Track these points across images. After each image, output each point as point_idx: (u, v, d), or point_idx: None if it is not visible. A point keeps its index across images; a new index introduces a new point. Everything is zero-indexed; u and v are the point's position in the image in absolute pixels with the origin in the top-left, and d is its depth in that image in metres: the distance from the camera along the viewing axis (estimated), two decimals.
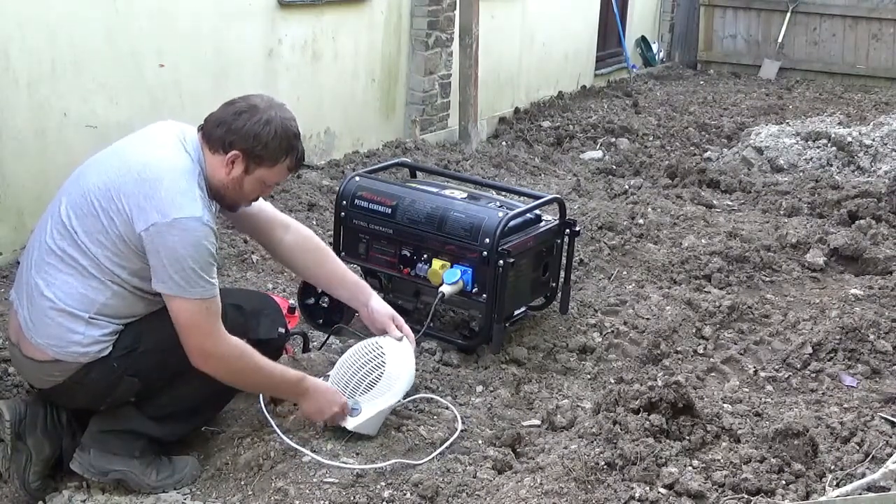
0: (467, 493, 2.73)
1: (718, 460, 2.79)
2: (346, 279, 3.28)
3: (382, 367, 3.03)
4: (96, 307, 2.64)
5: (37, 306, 2.66)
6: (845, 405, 3.46)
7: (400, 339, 3.15)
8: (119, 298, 2.67)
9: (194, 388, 2.80)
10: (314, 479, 2.77)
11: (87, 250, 2.62)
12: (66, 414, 2.86)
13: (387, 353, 3.06)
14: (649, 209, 5.70)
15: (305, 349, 3.46)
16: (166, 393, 2.81)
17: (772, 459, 2.78)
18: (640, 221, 5.41)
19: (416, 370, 3.49)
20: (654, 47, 12.22)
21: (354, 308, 3.33)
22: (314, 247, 3.22)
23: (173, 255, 2.55)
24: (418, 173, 4.54)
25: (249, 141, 2.68)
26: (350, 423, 2.96)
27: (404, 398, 3.24)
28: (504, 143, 7.87)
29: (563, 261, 4.06)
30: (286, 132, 2.72)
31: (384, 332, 3.17)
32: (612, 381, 3.62)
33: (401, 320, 3.21)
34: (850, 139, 7.04)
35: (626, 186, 6.42)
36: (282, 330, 3.02)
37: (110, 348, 2.67)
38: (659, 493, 2.64)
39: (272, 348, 2.98)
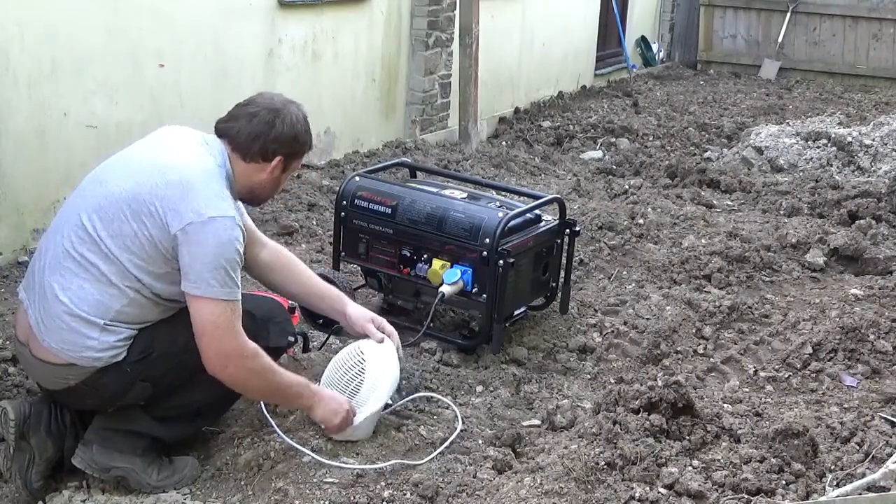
0: (467, 493, 2.73)
1: (718, 460, 2.79)
2: (322, 291, 3.25)
3: (363, 373, 3.01)
4: (112, 314, 2.64)
5: (51, 310, 2.65)
6: (845, 405, 3.46)
7: (381, 341, 3.12)
8: (135, 306, 2.67)
9: (201, 391, 2.81)
10: (314, 479, 2.77)
11: (111, 254, 2.62)
12: (70, 414, 2.86)
13: (367, 358, 3.03)
14: (649, 209, 5.70)
15: (305, 349, 3.46)
16: (173, 396, 2.81)
17: (772, 459, 2.78)
18: (640, 221, 5.41)
19: (416, 370, 3.50)
20: (654, 47, 12.21)
21: (334, 318, 3.30)
22: (289, 262, 3.21)
23: (207, 254, 2.59)
24: (418, 173, 4.54)
25: (291, 144, 2.82)
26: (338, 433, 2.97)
27: (401, 397, 3.25)
28: (504, 143, 7.87)
29: (563, 261, 4.06)
30: (306, 122, 2.88)
31: (366, 336, 3.15)
32: (612, 381, 3.62)
33: (381, 320, 3.20)
34: (850, 139, 7.03)
35: (626, 186, 6.41)
36: (291, 338, 3.03)
37: (124, 353, 2.67)
38: (659, 493, 2.64)
39: (279, 353, 3.01)
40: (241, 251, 2.67)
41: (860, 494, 2.60)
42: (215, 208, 2.62)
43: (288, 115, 2.81)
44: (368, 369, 3.01)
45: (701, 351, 4.00)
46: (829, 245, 5.10)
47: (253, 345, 2.70)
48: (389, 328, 3.20)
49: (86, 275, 2.63)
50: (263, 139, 2.77)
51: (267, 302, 3.11)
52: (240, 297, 2.67)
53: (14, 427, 2.74)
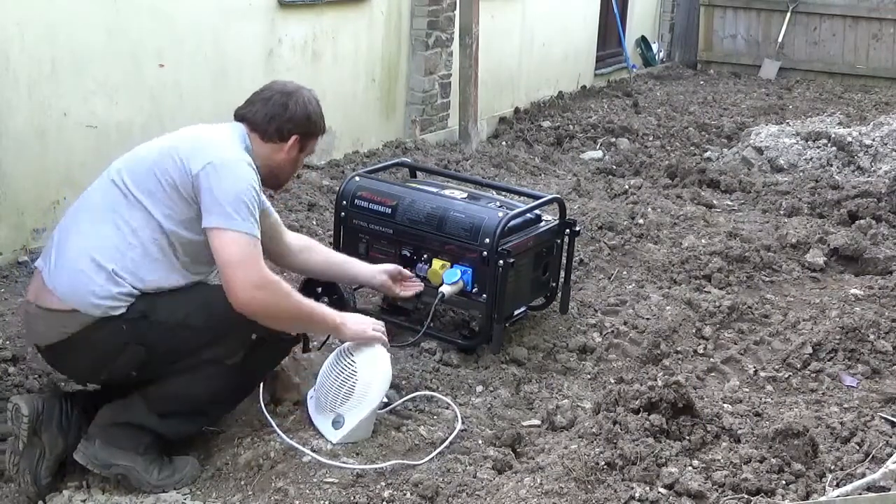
0: (467, 493, 2.73)
1: (718, 460, 2.79)
2: (346, 258, 3.57)
3: (355, 375, 3.01)
4: (123, 262, 2.72)
5: (66, 252, 2.75)
6: (845, 405, 3.46)
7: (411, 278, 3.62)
8: (148, 260, 2.75)
9: (203, 385, 2.81)
10: (314, 479, 2.77)
11: (137, 201, 2.76)
12: (77, 410, 2.87)
13: (357, 360, 3.03)
14: (649, 209, 5.70)
15: (305, 349, 3.45)
16: (174, 386, 2.81)
17: (772, 459, 2.78)
18: (640, 221, 5.41)
19: (416, 370, 3.51)
20: (654, 47, 12.21)
21: (365, 279, 3.57)
22: (311, 241, 3.49)
23: (227, 188, 2.72)
24: (418, 173, 4.54)
25: (305, 124, 3.01)
26: (335, 436, 2.96)
27: (401, 397, 3.25)
28: (504, 143, 7.87)
29: (563, 261, 4.06)
30: (318, 104, 3.08)
31: (400, 278, 3.59)
32: (612, 381, 3.61)
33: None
34: (850, 139, 7.03)
35: (626, 186, 6.41)
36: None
37: (124, 310, 2.72)
38: (659, 493, 2.64)
39: (281, 347, 3.01)
40: (259, 195, 2.84)
41: (860, 494, 2.59)
42: (234, 154, 2.82)
43: (300, 97, 3.00)
44: (359, 373, 3.01)
45: (701, 351, 4.00)
46: (829, 245, 5.10)
47: (274, 275, 2.81)
48: (408, 273, 3.66)
49: (109, 224, 2.75)
50: (279, 119, 2.96)
51: None
52: (260, 237, 2.78)
53: (27, 423, 2.76)
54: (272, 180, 3.05)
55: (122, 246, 2.73)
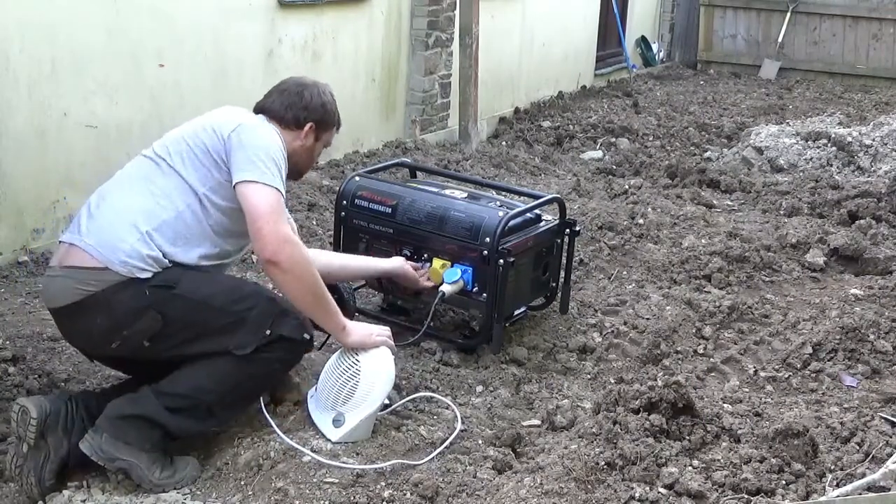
0: (467, 493, 2.73)
1: (718, 460, 2.79)
2: (367, 258, 3.69)
3: (358, 375, 3.01)
4: (156, 223, 2.81)
5: (99, 216, 2.84)
6: (845, 405, 3.46)
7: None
8: (180, 224, 2.84)
9: (213, 380, 2.82)
10: (314, 479, 2.77)
11: (170, 167, 2.88)
12: (81, 411, 2.87)
13: (361, 360, 3.03)
14: (649, 209, 5.70)
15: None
16: (184, 379, 2.82)
17: (772, 459, 2.78)
18: (640, 221, 5.41)
19: (416, 370, 3.50)
20: (654, 47, 12.22)
21: (388, 270, 3.65)
22: (321, 251, 3.62)
23: (258, 145, 2.86)
24: (418, 173, 4.54)
25: (320, 111, 3.14)
26: (335, 435, 2.96)
27: (402, 397, 3.25)
28: (504, 143, 7.87)
29: (563, 261, 4.06)
30: (332, 96, 3.23)
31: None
32: (612, 381, 3.61)
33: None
34: (850, 139, 7.03)
35: (626, 186, 6.41)
36: (306, 336, 2.97)
37: (150, 275, 2.76)
38: (659, 493, 2.64)
39: (293, 350, 2.98)
40: (286, 160, 2.95)
41: (860, 494, 2.59)
42: (264, 121, 3.02)
43: (315, 88, 3.16)
44: (362, 374, 3.01)
45: (701, 351, 4.00)
46: (829, 245, 5.10)
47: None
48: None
49: (142, 191, 2.86)
50: (296, 108, 3.09)
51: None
52: (285, 195, 2.87)
53: (35, 426, 2.76)
54: (291, 168, 3.11)
55: (155, 210, 2.82)
